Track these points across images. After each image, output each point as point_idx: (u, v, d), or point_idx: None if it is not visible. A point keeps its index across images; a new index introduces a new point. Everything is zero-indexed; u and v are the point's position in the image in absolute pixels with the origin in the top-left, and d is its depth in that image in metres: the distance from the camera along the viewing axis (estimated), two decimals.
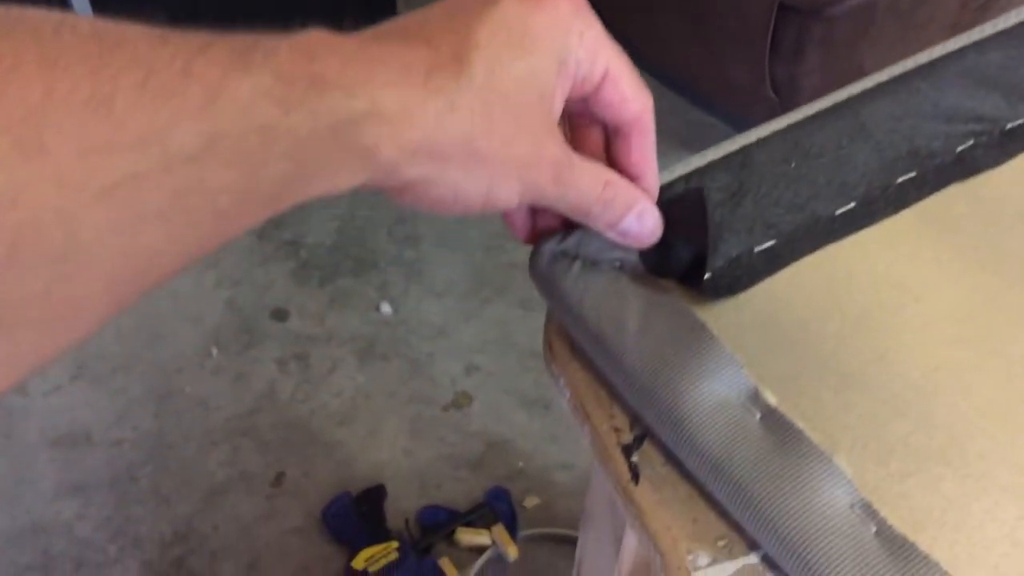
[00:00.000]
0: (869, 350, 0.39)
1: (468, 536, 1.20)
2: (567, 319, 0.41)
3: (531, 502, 1.25)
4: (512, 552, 1.17)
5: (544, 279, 0.41)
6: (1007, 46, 0.49)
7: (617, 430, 0.40)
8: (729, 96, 1.54)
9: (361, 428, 1.32)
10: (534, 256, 0.42)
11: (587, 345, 0.40)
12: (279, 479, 1.27)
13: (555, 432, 1.31)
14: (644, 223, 0.39)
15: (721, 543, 0.37)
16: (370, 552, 1.16)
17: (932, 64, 0.48)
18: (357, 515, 1.21)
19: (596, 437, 0.40)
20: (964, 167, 0.44)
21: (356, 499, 1.23)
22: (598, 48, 0.35)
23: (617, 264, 0.41)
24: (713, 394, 0.37)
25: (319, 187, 0.29)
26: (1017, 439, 0.36)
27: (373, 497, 1.23)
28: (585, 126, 0.39)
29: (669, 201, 0.41)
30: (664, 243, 0.40)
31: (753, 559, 0.36)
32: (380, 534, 1.19)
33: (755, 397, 0.37)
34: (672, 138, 1.61)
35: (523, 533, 1.21)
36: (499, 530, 1.19)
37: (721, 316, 0.40)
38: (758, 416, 0.36)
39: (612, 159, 0.40)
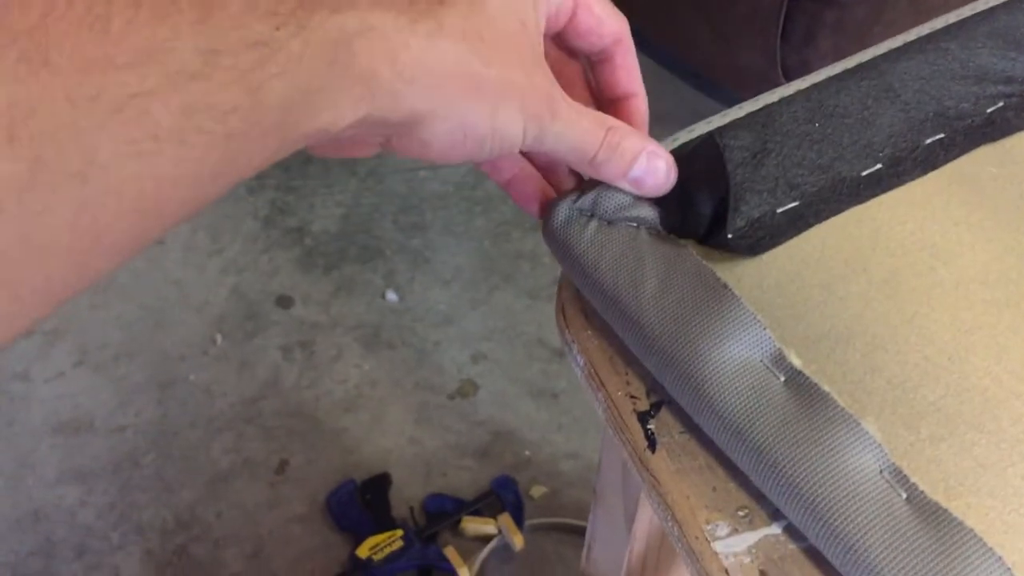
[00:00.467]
0: (898, 312, 0.37)
1: (474, 525, 1.18)
2: (582, 282, 0.39)
3: (538, 491, 1.23)
4: (518, 541, 1.16)
5: (558, 240, 0.40)
6: None
7: (633, 397, 0.39)
8: (739, 83, 1.52)
9: (366, 416, 1.31)
10: (547, 216, 0.40)
11: (602, 308, 0.39)
12: (283, 467, 1.26)
13: (562, 421, 1.30)
14: (656, 168, 0.38)
15: (742, 513, 0.35)
16: (375, 540, 1.15)
17: (961, 24, 0.46)
18: (362, 503, 1.20)
19: (610, 405, 0.39)
20: (995, 129, 0.43)
21: (361, 487, 1.21)
22: None
23: (634, 224, 0.39)
24: (735, 356, 0.35)
25: (323, 118, 0.29)
26: None
27: (378, 485, 1.22)
28: (571, 83, 0.40)
29: (686, 156, 0.39)
30: (684, 200, 0.38)
31: (775, 529, 0.34)
32: (385, 522, 1.18)
33: (779, 359, 0.35)
34: (681, 127, 1.59)
35: (529, 522, 1.20)
36: (505, 519, 1.17)
37: (743, 277, 0.38)
38: (782, 379, 0.35)
39: (601, 88, 0.40)
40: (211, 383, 1.34)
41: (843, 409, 0.33)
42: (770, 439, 0.33)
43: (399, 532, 1.16)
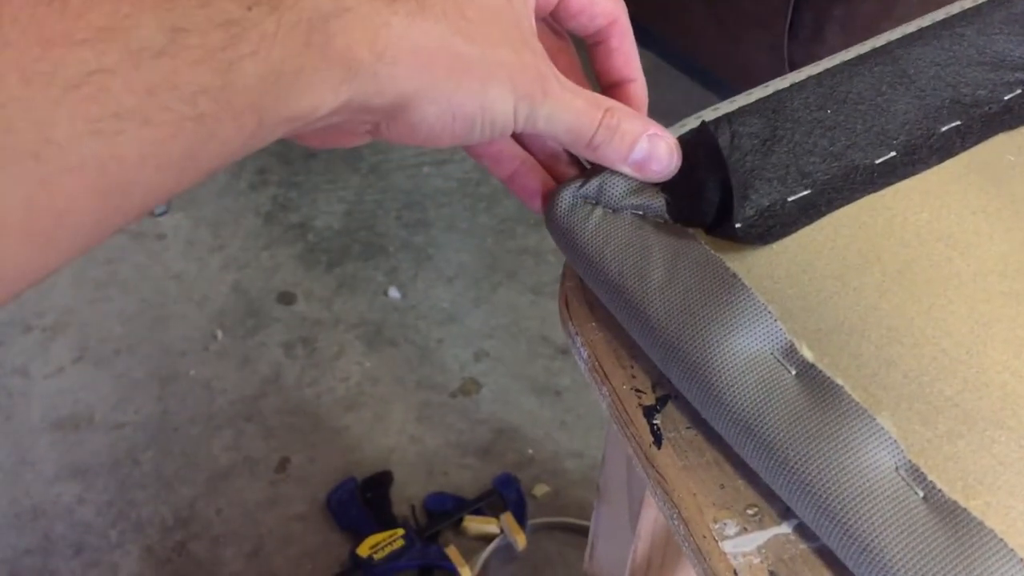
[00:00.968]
0: (913, 304, 0.36)
1: (476, 524, 1.17)
2: (586, 272, 0.38)
3: (540, 490, 1.22)
4: (520, 541, 1.15)
5: (561, 228, 0.38)
6: None
7: (638, 391, 0.38)
8: (746, 80, 1.50)
9: (368, 414, 1.30)
10: (551, 204, 0.39)
11: (607, 299, 0.38)
12: (284, 464, 1.24)
13: (566, 419, 1.29)
14: (658, 150, 0.37)
15: (751, 512, 0.34)
16: (375, 539, 1.14)
17: (977, 9, 0.45)
18: (363, 502, 1.19)
19: (615, 399, 0.38)
20: (1012, 116, 0.42)
21: (362, 485, 1.20)
22: None
23: (640, 212, 0.38)
24: (744, 349, 0.34)
25: (303, 101, 0.28)
26: None
27: (379, 483, 1.21)
28: (570, 69, 0.39)
29: (690, 144, 0.38)
30: (690, 187, 0.37)
31: (786, 528, 0.33)
32: (386, 521, 1.17)
33: (790, 352, 0.34)
34: None
35: (532, 522, 1.19)
36: (507, 518, 1.16)
37: (753, 267, 0.37)
38: (793, 372, 0.33)
39: (598, 74, 0.39)
40: (212, 379, 1.33)
41: (857, 404, 0.32)
42: (781, 435, 0.32)
43: (400, 531, 1.14)
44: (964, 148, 0.41)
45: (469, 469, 1.24)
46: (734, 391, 0.33)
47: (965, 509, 0.30)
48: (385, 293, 1.44)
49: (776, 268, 0.37)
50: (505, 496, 1.19)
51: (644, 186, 0.38)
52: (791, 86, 0.41)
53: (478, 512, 1.18)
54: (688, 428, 0.36)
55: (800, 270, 0.37)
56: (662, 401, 0.37)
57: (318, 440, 1.27)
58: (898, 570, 0.29)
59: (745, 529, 0.33)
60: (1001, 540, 0.29)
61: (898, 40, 0.44)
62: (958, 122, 0.41)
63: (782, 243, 0.37)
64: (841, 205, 0.39)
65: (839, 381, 0.33)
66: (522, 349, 1.37)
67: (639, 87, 0.39)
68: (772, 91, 0.42)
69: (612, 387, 0.38)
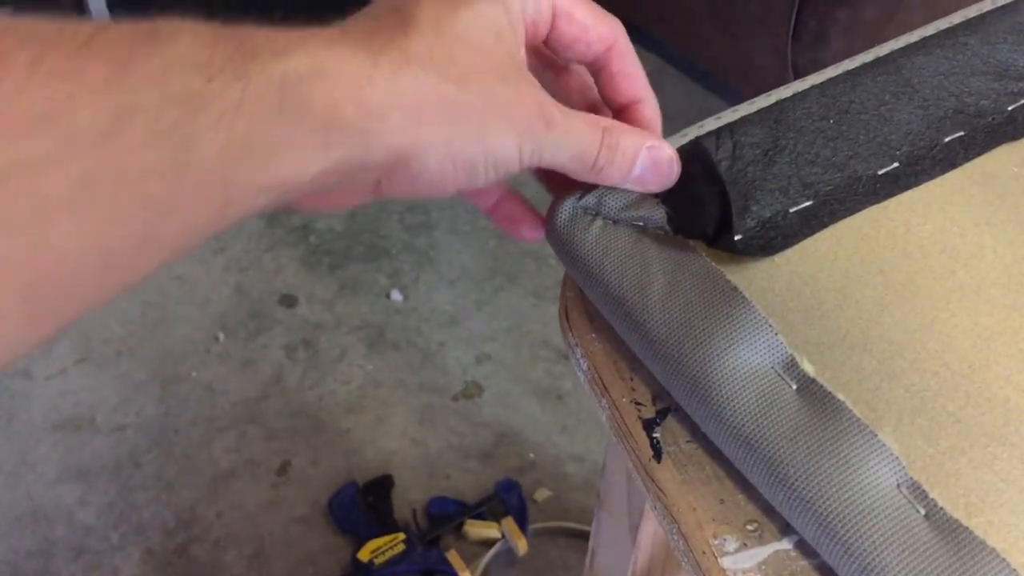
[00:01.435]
0: (916, 317, 0.35)
1: (477, 529, 1.17)
2: (586, 283, 0.38)
3: (542, 495, 1.21)
4: (522, 546, 1.14)
5: (561, 239, 0.38)
6: None
7: (638, 404, 0.37)
8: (750, 84, 1.50)
9: (369, 417, 1.29)
10: (551, 215, 0.38)
11: (607, 311, 0.37)
12: (285, 467, 1.24)
13: (567, 423, 1.28)
14: (658, 161, 0.36)
15: (751, 527, 0.33)
16: (376, 543, 1.13)
17: (981, 18, 0.44)
18: (364, 505, 1.18)
19: (615, 412, 0.37)
20: (1016, 127, 0.41)
21: (363, 489, 1.20)
22: None
23: (640, 223, 0.38)
24: (745, 363, 0.34)
25: (282, 168, 0.27)
26: None
27: (380, 487, 1.20)
28: (564, 96, 0.38)
29: (688, 156, 0.37)
30: (691, 200, 0.37)
31: (786, 544, 0.33)
32: (387, 525, 1.16)
33: (791, 366, 0.34)
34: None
35: (533, 526, 1.18)
36: (509, 523, 1.16)
37: (754, 279, 0.36)
38: (794, 387, 0.33)
39: (605, 99, 0.38)
40: (213, 381, 1.33)
41: (859, 419, 0.32)
42: (781, 450, 0.32)
43: (401, 535, 1.14)
44: (967, 159, 0.40)
45: (470, 473, 1.23)
46: (734, 405, 0.33)
47: (967, 528, 0.30)
48: (387, 296, 1.44)
49: (777, 280, 0.36)
50: (506, 500, 1.18)
51: (644, 198, 0.38)
52: (793, 95, 0.41)
53: (479, 516, 1.18)
54: (688, 442, 0.36)
55: (801, 282, 0.36)
56: (662, 414, 0.37)
57: (320, 443, 1.27)
58: None
59: (745, 545, 0.33)
60: (1004, 560, 0.29)
61: (901, 49, 0.43)
62: (961, 133, 0.41)
63: (783, 255, 0.37)
64: (843, 216, 0.38)
65: (840, 396, 0.33)
66: (524, 353, 1.36)
67: (648, 107, 0.38)
68: (774, 100, 0.41)
69: (612, 399, 0.37)
